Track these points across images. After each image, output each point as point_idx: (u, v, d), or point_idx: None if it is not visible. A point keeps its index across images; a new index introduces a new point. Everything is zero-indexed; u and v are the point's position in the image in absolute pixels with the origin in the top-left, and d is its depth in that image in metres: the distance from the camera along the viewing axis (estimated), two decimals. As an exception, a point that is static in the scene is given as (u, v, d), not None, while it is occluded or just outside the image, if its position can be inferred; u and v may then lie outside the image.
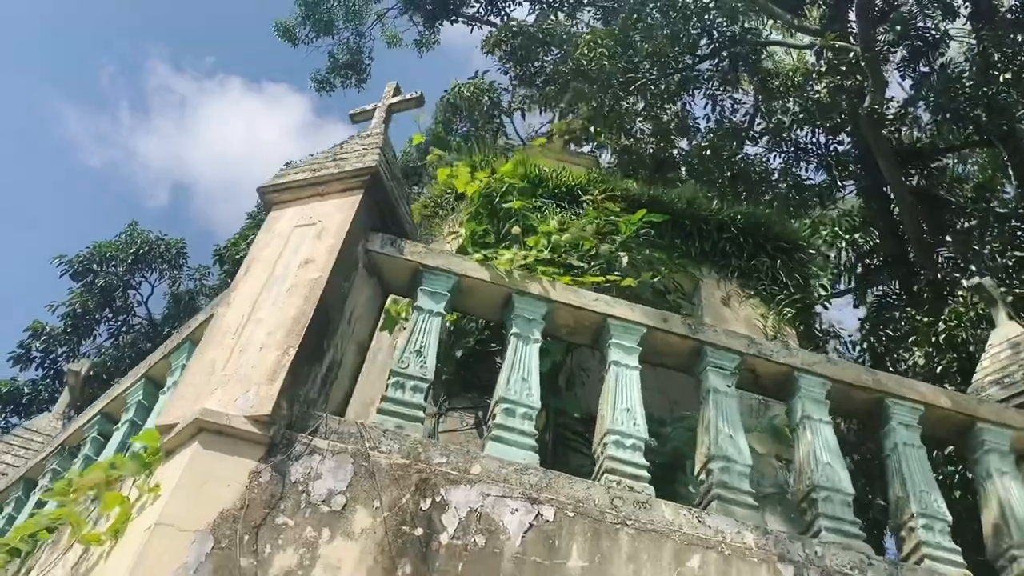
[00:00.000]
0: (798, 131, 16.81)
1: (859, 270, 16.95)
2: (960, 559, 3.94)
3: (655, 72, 15.34)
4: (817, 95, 14.12)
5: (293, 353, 3.52)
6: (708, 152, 15.93)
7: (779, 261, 7.17)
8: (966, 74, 14.94)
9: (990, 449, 4.55)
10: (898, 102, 16.32)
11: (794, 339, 6.81)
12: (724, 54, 15.84)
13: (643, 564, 3.37)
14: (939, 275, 14.58)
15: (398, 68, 31.23)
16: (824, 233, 16.00)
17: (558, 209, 6.66)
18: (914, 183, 16.78)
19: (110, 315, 18.42)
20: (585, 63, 12.95)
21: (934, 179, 17.16)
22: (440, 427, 5.45)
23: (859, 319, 15.51)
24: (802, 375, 4.53)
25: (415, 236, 4.90)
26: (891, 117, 15.56)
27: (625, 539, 3.43)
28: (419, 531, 3.23)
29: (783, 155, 17.08)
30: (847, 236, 16.27)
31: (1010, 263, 11.88)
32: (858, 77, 13.93)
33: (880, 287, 17.09)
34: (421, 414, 3.76)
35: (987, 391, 5.15)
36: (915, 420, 4.54)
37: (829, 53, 13.58)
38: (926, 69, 16.60)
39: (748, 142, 16.06)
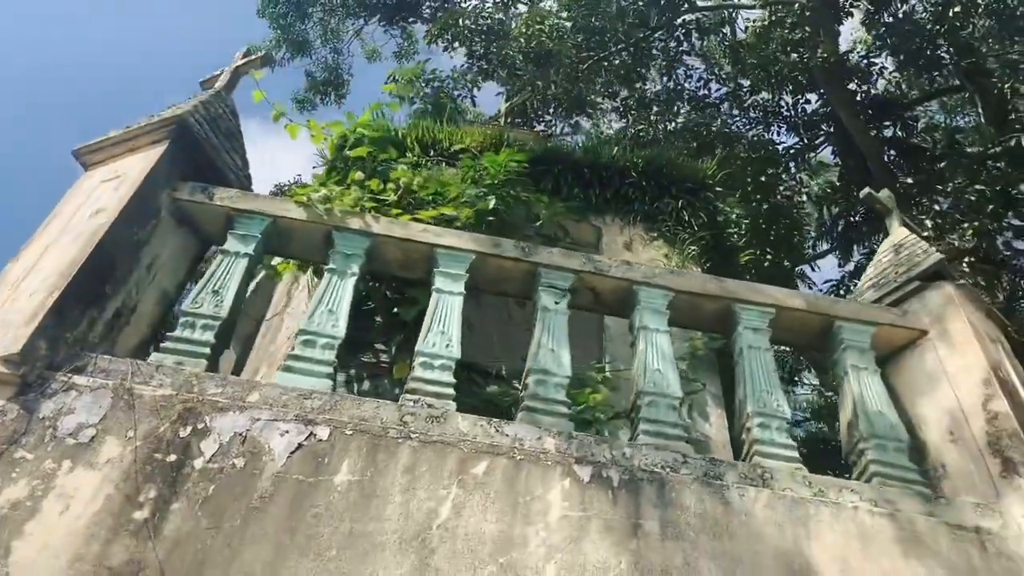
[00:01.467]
0: (764, 94, 16.54)
1: (840, 228, 16.62)
2: (794, 454, 3.73)
3: (609, 48, 15.16)
4: (766, 52, 13.83)
5: (57, 295, 3.42)
6: (671, 125, 15.72)
7: (682, 202, 6.96)
8: (922, 14, 14.61)
9: (848, 347, 4.32)
10: (860, 54, 16.00)
11: (700, 277, 6.59)
12: (676, 23, 15.65)
13: (421, 474, 3.21)
14: (929, 222, 14.20)
15: (379, 80, 31.34)
16: (804, 194, 15.71)
17: (436, 164, 6.53)
18: (890, 134, 16.46)
19: None
20: (524, 43, 12.82)
21: (911, 129, 16.82)
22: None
23: (836, 278, 15.17)
24: (641, 288, 4.35)
25: (247, 187, 4.80)
26: (853, 69, 15.23)
27: (406, 452, 3.28)
28: (172, 457, 3.10)
29: (750, 120, 16.79)
30: (821, 195, 15.95)
31: (973, 198, 11.49)
32: (807, 29, 13.65)
33: (864, 243, 16.75)
34: (205, 350, 3.64)
35: (864, 295, 4.92)
36: (764, 324, 4.34)
37: (775, 7, 13.31)
38: (891, 20, 16.27)
39: (711, 109, 15.77)
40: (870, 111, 15.90)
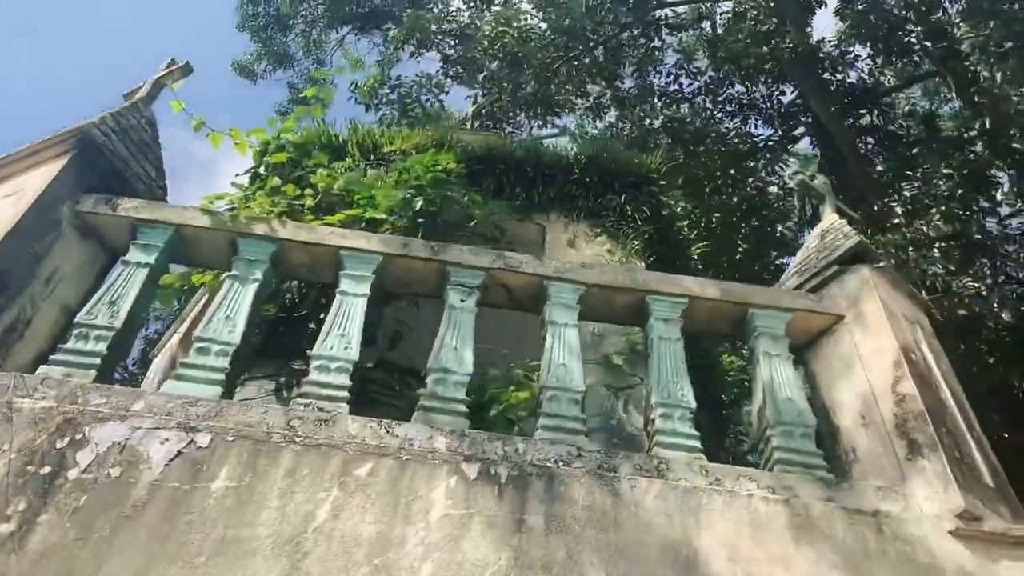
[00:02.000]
0: (738, 87, 16.51)
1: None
2: (695, 444, 3.69)
3: (578, 48, 15.14)
4: (736, 45, 13.79)
5: (-64, 310, 3.40)
6: (651, 122, 15.69)
7: (625, 196, 6.91)
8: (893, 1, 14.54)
9: (761, 334, 4.28)
10: (832, 43, 15.94)
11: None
12: (647, 20, 15.62)
13: (302, 478, 3.18)
14: (899, 209, 14.13)
15: (363, 91, 31.22)
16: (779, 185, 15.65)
17: (376, 168, 6.49)
18: (868, 122, 16.41)
19: None
20: (488, 45, 12.80)
21: (888, 116, 16.77)
22: (236, 396, 5.26)
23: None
24: (552, 283, 4.32)
25: (161, 198, 4.78)
26: (825, 58, 15.19)
27: (288, 456, 3.24)
28: (46, 469, 3.08)
29: (726, 114, 16.74)
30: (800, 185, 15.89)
31: (942, 183, 11.42)
32: (774, 20, 13.61)
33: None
34: (96, 361, 3.61)
35: (788, 282, 4.88)
36: (676, 314, 4.30)
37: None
38: (862, 7, 16.21)
39: (684, 103, 15.73)
40: (846, 100, 15.87)
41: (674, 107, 16.12)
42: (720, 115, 17.07)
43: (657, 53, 15.67)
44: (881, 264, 4.55)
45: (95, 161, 4.39)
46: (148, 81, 5.45)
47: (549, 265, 4.41)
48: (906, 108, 17.86)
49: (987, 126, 11.26)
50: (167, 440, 3.23)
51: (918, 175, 11.93)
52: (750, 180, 13.50)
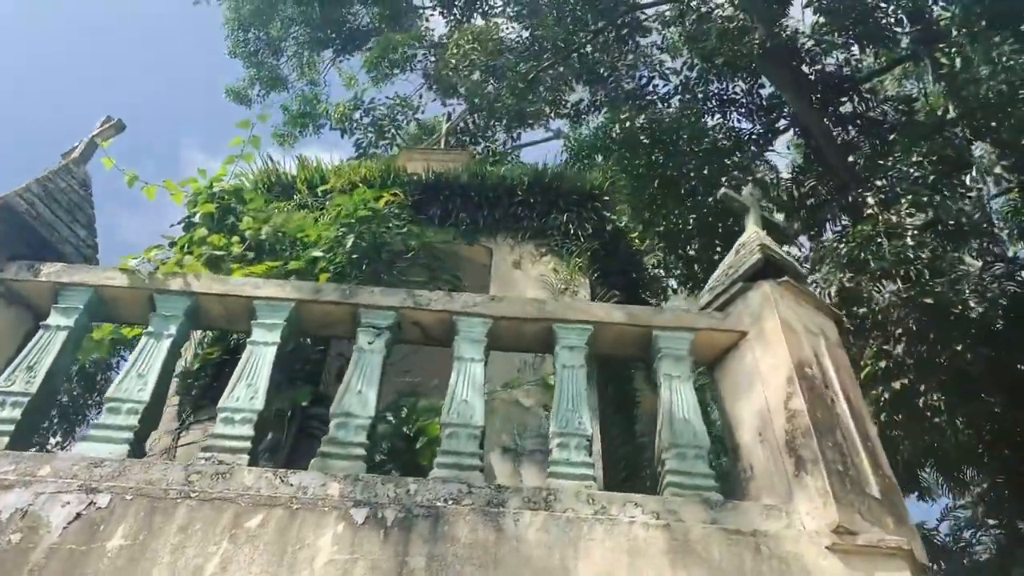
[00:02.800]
0: (716, 83, 16.54)
1: (808, 206, 16.55)
2: (587, 472, 3.80)
3: (552, 58, 15.23)
4: (707, 42, 13.84)
5: None
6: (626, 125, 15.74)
7: (567, 215, 7.04)
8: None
9: (664, 355, 4.38)
10: (805, 34, 15.93)
11: (586, 287, 6.67)
12: (619, 22, 15.71)
13: (194, 532, 3.33)
14: (871, 199, 14.11)
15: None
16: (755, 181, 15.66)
17: (324, 203, 6.65)
18: (849, 109, 16.38)
19: None
20: (456, 63, 12.96)
21: (868, 103, 16.73)
22: (181, 441, 5.46)
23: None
24: (461, 318, 4.45)
25: (91, 258, 4.97)
26: (798, 51, 15.18)
27: (183, 511, 3.40)
28: (-50, 539, 3.25)
29: (706, 111, 16.76)
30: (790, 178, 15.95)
31: (913, 170, 11.41)
32: (741, 17, 13.65)
33: (836, 220, 16.66)
34: (10, 428, 3.79)
35: (702, 298, 4.97)
36: (582, 341, 4.41)
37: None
38: (835, -2, 16.18)
39: (661, 103, 15.78)
40: (824, 89, 15.85)
41: (650, 109, 16.17)
42: (697, 114, 17.12)
43: (631, 56, 15.74)
44: (784, 279, 4.63)
45: (20, 229, 4.58)
46: (83, 141, 5.65)
47: (458, 300, 4.54)
48: (889, 93, 17.83)
49: (960, 109, 11.22)
50: (68, 503, 3.40)
51: (889, 162, 11.92)
52: (723, 179, 13.51)
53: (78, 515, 3.36)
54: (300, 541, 3.33)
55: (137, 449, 3.83)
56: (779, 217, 16.52)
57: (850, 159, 14.81)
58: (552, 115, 14.94)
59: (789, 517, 3.57)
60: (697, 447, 3.94)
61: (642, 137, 15.30)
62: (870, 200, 11.56)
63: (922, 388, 9.53)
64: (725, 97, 17.07)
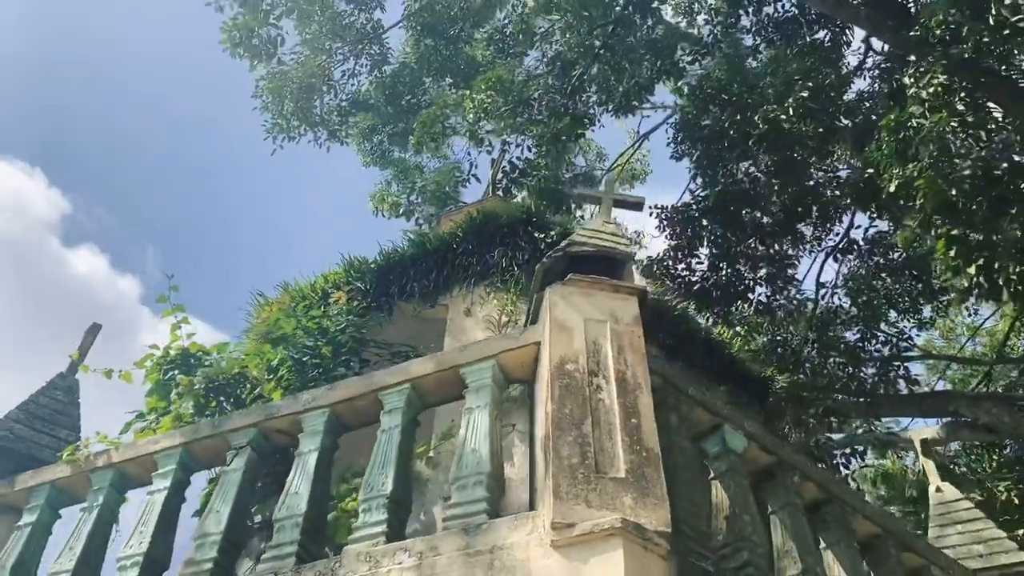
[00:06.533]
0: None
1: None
2: (381, 529, 4.11)
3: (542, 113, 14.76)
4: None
5: None
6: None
7: (500, 249, 7.30)
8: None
9: (468, 390, 4.62)
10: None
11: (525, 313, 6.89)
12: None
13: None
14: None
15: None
16: None
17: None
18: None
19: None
20: (474, 117, 13.48)
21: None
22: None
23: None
24: (304, 415, 4.99)
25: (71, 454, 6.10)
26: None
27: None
28: None
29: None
30: None
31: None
32: None
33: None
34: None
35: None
36: (401, 402, 4.75)
37: None
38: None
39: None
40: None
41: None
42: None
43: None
44: (570, 277, 4.69)
45: (7, 454, 5.81)
46: (71, 355, 6.93)
47: (300, 399, 5.09)
48: None
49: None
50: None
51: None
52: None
53: None
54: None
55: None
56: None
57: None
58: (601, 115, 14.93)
59: (534, 522, 3.71)
60: (479, 473, 4.13)
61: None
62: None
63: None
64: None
